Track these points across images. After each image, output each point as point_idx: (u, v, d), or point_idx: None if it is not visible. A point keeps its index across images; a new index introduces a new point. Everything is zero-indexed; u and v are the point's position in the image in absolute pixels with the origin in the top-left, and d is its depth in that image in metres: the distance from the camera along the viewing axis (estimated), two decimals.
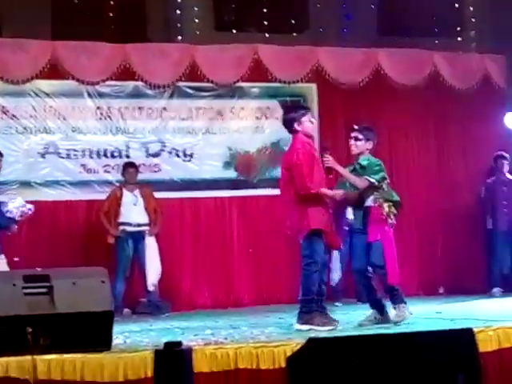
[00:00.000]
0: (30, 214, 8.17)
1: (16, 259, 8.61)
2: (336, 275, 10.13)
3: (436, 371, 4.35)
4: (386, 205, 7.08)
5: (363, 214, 7.20)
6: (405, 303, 7.19)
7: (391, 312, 7.24)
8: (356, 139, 7.29)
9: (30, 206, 8.16)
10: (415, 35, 11.95)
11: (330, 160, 7.12)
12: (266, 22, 12.13)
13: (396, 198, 7.23)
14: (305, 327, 6.93)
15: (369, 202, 7.16)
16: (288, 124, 7.29)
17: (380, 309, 7.24)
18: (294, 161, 7.06)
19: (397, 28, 12.30)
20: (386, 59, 11.04)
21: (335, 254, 10.07)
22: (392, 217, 7.11)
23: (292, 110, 7.49)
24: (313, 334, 6.34)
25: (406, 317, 7.08)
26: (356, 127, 7.38)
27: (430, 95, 11.16)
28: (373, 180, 7.11)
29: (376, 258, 7.17)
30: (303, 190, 6.98)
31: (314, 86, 10.96)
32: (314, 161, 7.09)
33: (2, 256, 7.80)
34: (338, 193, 7.17)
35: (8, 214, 8.15)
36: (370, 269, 7.26)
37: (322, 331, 6.76)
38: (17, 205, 8.07)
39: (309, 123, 7.25)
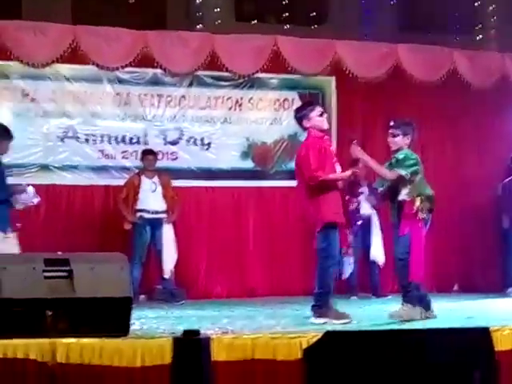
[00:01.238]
0: (32, 205, 8.08)
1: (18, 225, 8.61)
2: (348, 269, 10.14)
3: (452, 368, 4.37)
4: (418, 199, 7.05)
5: (397, 208, 7.19)
6: (414, 306, 7.07)
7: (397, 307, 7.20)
8: (393, 135, 7.27)
9: (36, 200, 8.03)
10: (435, 32, 11.96)
11: (356, 150, 7.12)
12: (286, 14, 12.13)
13: (429, 192, 7.16)
14: (320, 320, 6.92)
15: (402, 195, 7.12)
16: (299, 122, 7.32)
17: (424, 304, 7.21)
18: (303, 154, 7.09)
19: (417, 24, 12.32)
20: (406, 55, 10.99)
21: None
22: (424, 211, 7.05)
23: (300, 108, 7.48)
24: (328, 327, 6.36)
25: (407, 318, 6.92)
26: (392, 123, 7.36)
27: (447, 92, 11.11)
28: (403, 173, 7.07)
29: (399, 250, 7.15)
30: (311, 180, 6.98)
31: (332, 79, 10.95)
32: (325, 155, 7.06)
33: (13, 235, 7.74)
34: (346, 173, 7.14)
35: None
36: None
37: (337, 324, 6.77)
38: (24, 195, 7.92)
39: (318, 117, 7.20)
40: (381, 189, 7.40)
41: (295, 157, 7.43)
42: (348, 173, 7.14)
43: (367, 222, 10.12)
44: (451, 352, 4.42)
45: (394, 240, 7.28)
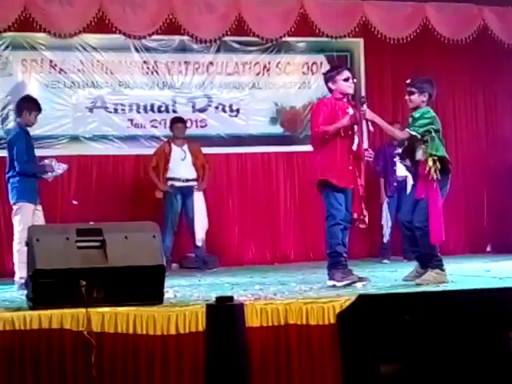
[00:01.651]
0: (62, 173, 8.09)
1: (75, 202, 8.63)
2: (387, 232, 10.13)
3: (486, 328, 4.34)
4: (430, 159, 6.95)
5: (415, 168, 7.14)
6: (442, 270, 6.99)
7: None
8: (410, 93, 7.18)
9: (63, 167, 7.98)
10: None
11: (366, 111, 7.05)
12: None
13: (441, 153, 6.98)
14: (330, 283, 6.93)
15: (418, 155, 7.04)
16: (325, 83, 7.31)
17: (423, 262, 7.15)
18: (314, 108, 7.19)
19: None
20: (434, 13, 10.84)
21: (385, 211, 10.07)
22: (438, 172, 6.96)
23: (329, 70, 7.50)
24: (360, 290, 6.37)
25: (432, 283, 6.81)
26: (408, 82, 7.27)
27: (478, 50, 10.98)
28: (413, 133, 6.95)
29: (417, 219, 7.03)
30: (314, 135, 7.04)
31: (361, 41, 10.86)
32: (338, 114, 7.02)
33: (40, 207, 7.80)
34: (344, 120, 6.98)
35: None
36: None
37: (340, 287, 6.75)
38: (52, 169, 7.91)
39: (343, 82, 7.14)
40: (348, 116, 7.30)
41: None
42: (346, 118, 7.01)
43: (403, 184, 10.05)
44: (485, 313, 4.38)
45: (413, 203, 7.12)
